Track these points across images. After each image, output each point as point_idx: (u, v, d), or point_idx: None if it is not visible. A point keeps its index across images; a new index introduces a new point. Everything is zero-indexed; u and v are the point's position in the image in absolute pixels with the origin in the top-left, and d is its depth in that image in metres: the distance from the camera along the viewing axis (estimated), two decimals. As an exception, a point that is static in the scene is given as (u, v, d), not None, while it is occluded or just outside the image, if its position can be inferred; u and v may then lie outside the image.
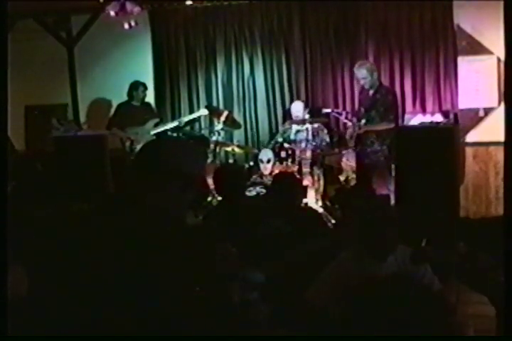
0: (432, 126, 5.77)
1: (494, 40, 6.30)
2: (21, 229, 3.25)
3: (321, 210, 6.06)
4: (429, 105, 7.05)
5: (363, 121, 6.52)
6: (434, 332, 1.48)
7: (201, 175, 1.95)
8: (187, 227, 1.85)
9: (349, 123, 6.71)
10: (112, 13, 6.34)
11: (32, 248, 2.80)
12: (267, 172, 6.65)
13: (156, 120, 7.48)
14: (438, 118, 6.50)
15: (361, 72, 6.55)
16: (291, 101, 7.42)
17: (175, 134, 7.28)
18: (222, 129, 7.07)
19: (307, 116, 6.92)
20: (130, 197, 1.85)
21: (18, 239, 3.09)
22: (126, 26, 6.57)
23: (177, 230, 1.79)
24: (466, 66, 6.72)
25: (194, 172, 1.88)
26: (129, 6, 6.32)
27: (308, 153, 6.62)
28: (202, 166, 1.99)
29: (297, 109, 7.04)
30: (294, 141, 6.91)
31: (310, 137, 6.78)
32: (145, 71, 7.89)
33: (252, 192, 6.31)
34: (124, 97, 7.45)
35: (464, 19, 6.67)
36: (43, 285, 1.78)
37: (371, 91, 6.58)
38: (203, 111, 7.40)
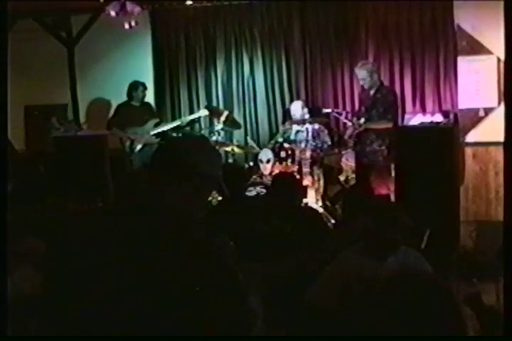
0: (432, 126, 5.76)
1: (494, 40, 6.31)
2: (23, 229, 3.25)
3: (321, 210, 6.06)
4: (429, 105, 7.06)
5: (362, 119, 6.51)
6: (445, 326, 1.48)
7: (217, 175, 1.94)
8: (201, 227, 1.84)
9: (349, 123, 6.71)
10: (113, 13, 6.34)
11: (43, 250, 2.80)
12: (266, 172, 6.65)
13: (156, 120, 7.47)
14: (438, 118, 6.50)
15: (361, 73, 6.56)
16: (291, 101, 7.43)
17: (174, 134, 7.28)
18: (222, 129, 7.07)
19: (307, 116, 6.93)
20: (144, 197, 1.84)
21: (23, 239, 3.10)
22: (127, 26, 6.57)
23: (191, 230, 1.78)
24: (466, 66, 6.72)
25: (210, 171, 1.87)
26: (129, 6, 6.32)
27: (308, 153, 6.62)
28: (218, 166, 1.98)
29: (295, 108, 7.05)
30: (294, 141, 6.91)
31: (310, 137, 6.78)
32: (145, 71, 7.90)
33: (252, 192, 6.31)
34: (124, 97, 7.45)
35: (464, 19, 6.67)
36: (53, 287, 1.77)
37: (371, 91, 6.59)
38: (204, 112, 7.40)
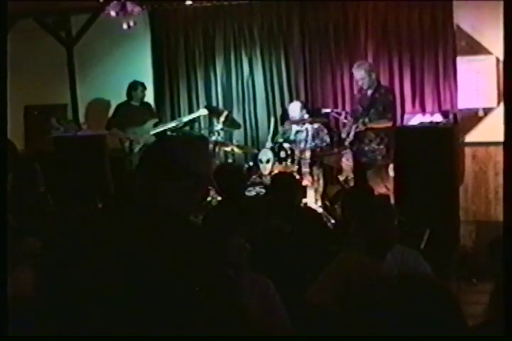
0: (432, 126, 5.78)
1: (493, 40, 6.31)
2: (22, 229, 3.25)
3: (320, 210, 6.06)
4: (429, 105, 7.06)
5: (366, 119, 6.51)
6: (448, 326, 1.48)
7: (210, 174, 1.93)
8: (197, 227, 1.84)
9: (346, 122, 6.73)
10: (113, 13, 6.34)
11: (40, 250, 2.80)
12: (266, 172, 6.65)
13: (156, 120, 7.48)
14: (437, 118, 6.51)
15: (359, 73, 6.57)
16: (291, 101, 7.42)
17: (174, 134, 7.28)
18: (221, 129, 7.07)
19: (306, 116, 6.93)
20: (138, 198, 1.84)
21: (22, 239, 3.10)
22: (125, 26, 6.57)
23: (187, 230, 1.78)
24: (466, 66, 6.72)
25: (203, 171, 1.86)
26: (129, 6, 6.32)
27: (308, 153, 6.62)
28: (210, 165, 1.97)
29: (293, 109, 7.05)
30: (294, 141, 6.91)
31: (310, 137, 6.79)
32: (145, 71, 7.90)
33: (251, 192, 6.32)
34: (124, 97, 7.45)
35: (464, 19, 6.67)
36: (51, 287, 1.77)
37: (369, 91, 6.60)
38: (203, 111, 7.40)
